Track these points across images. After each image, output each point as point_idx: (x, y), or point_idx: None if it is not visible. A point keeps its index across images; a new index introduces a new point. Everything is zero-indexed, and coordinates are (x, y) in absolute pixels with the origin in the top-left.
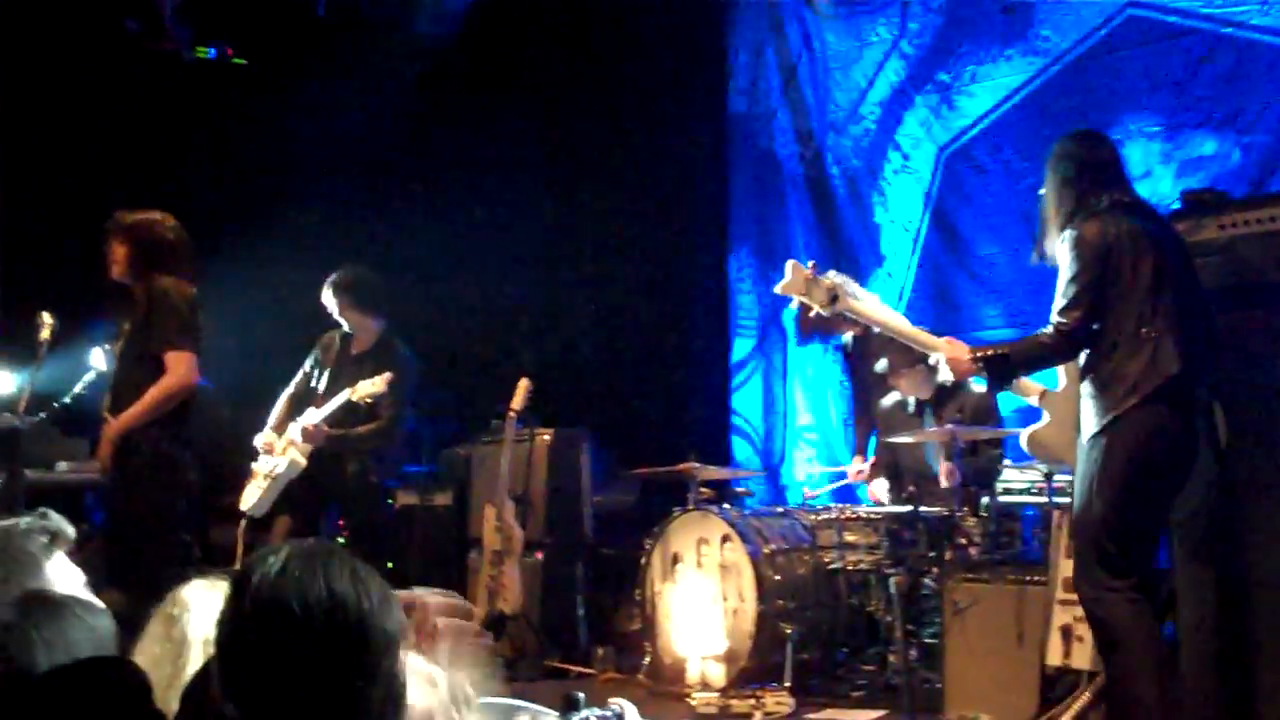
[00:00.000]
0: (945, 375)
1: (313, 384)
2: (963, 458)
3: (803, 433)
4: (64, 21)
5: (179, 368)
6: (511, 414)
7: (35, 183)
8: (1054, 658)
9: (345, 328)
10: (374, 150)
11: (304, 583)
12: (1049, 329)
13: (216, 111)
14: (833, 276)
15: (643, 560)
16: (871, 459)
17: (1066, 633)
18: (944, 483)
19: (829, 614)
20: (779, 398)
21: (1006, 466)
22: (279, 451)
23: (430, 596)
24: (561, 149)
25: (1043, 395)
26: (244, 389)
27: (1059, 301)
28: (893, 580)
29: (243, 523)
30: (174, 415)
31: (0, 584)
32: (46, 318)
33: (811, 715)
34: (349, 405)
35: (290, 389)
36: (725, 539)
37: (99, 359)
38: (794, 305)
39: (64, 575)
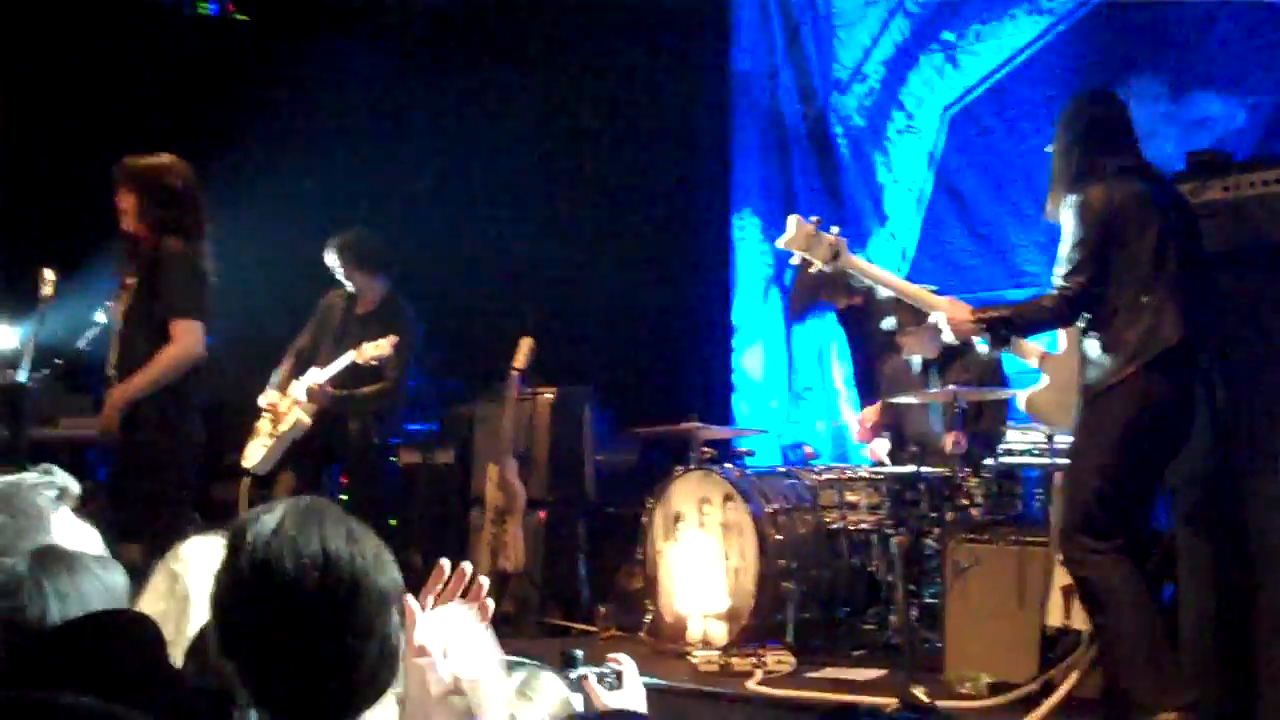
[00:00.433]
0: (948, 336)
1: (317, 343)
2: (964, 420)
3: (803, 391)
4: None
5: (185, 337)
6: (514, 372)
7: (36, 137)
8: (1054, 618)
9: (349, 288)
10: (377, 107)
11: (298, 541)
12: (1052, 293)
13: (219, 66)
14: (835, 233)
15: (644, 519)
16: (873, 419)
17: (1067, 593)
18: (949, 450)
19: (830, 573)
20: (781, 357)
21: (1009, 428)
22: (284, 410)
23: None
24: (564, 107)
25: (1042, 358)
26: (247, 345)
27: (1062, 266)
28: (894, 540)
29: (245, 480)
30: (180, 381)
31: (11, 538)
32: (49, 274)
33: (812, 674)
34: (353, 366)
35: (294, 348)
36: (727, 498)
37: (102, 314)
38: (795, 260)
39: (73, 530)
